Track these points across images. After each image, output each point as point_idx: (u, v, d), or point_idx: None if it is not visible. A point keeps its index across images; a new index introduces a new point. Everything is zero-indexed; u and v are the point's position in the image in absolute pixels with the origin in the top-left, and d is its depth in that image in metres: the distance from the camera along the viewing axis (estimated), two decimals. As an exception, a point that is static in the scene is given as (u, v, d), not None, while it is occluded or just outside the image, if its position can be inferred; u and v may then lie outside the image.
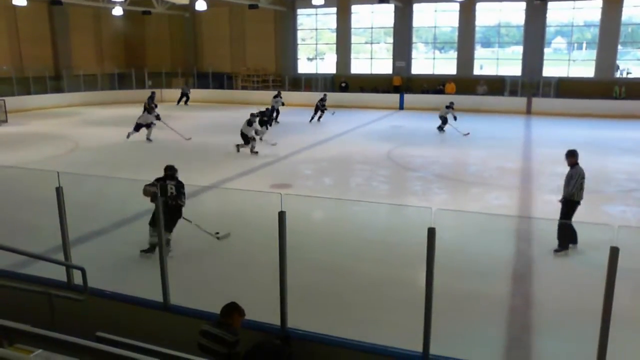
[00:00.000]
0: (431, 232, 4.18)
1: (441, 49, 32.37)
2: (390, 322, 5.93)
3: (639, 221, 10.10)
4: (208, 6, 26.36)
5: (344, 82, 31.26)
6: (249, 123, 15.52)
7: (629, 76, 27.94)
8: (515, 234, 8.96)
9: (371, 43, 32.65)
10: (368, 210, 10.38)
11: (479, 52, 31.09)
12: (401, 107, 27.24)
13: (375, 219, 9.82)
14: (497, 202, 11.03)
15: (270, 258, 4.70)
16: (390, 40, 31.67)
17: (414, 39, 31.57)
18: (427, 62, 31.80)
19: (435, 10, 30.59)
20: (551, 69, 28.80)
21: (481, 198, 11.40)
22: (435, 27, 31.17)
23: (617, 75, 27.98)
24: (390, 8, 30.36)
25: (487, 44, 31.39)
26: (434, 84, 29.38)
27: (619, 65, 28.58)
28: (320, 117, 22.54)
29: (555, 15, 29.06)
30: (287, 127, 20.61)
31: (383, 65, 32.00)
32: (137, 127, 17.25)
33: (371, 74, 31.88)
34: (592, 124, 21.98)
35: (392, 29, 31.27)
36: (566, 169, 8.73)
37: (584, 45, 30.14)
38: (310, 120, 22.35)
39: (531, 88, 27.06)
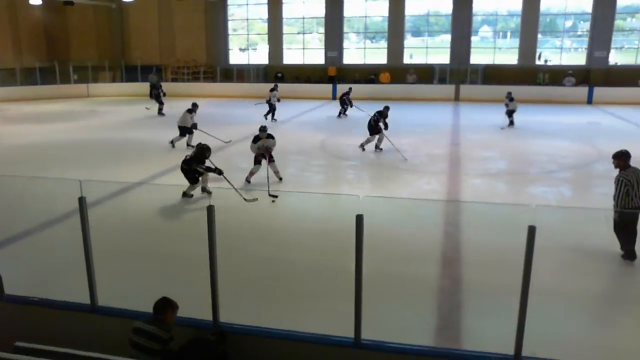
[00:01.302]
0: (359, 219, 4.23)
1: (372, 38, 32.79)
2: (325, 309, 5.99)
3: (558, 200, 10.62)
4: (135, -4, 25.53)
5: (280, 72, 31.13)
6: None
7: (549, 63, 29.31)
8: (444, 218, 9.25)
9: (303, 33, 32.64)
10: (301, 200, 10.43)
11: (409, 41, 31.70)
12: (334, 98, 27.41)
13: (308, 209, 9.87)
14: (427, 187, 11.33)
15: (202, 252, 4.64)
16: (322, 30, 31.78)
17: (346, 29, 31.83)
18: (358, 51, 32.17)
19: (366, 0, 30.92)
20: (478, 57, 29.78)
21: (412, 184, 11.66)
22: (366, 16, 31.52)
23: (538, 62, 29.31)
24: (321, -3, 30.47)
25: (417, 33, 32.05)
26: (365, 74, 29.74)
27: (541, 53, 29.93)
28: (345, 110, 21.59)
29: (481, 4, 30.01)
30: (221, 119, 20.32)
31: (316, 55, 32.08)
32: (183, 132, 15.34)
33: (304, 64, 31.91)
34: (518, 108, 22.85)
35: (323, 19, 31.38)
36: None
37: (509, 33, 31.32)
38: (339, 116, 21.70)
39: (459, 75, 27.88)
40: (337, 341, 4.62)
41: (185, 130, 15.17)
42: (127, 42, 33.73)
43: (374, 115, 14.47)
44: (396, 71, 29.02)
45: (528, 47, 28.91)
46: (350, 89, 22.41)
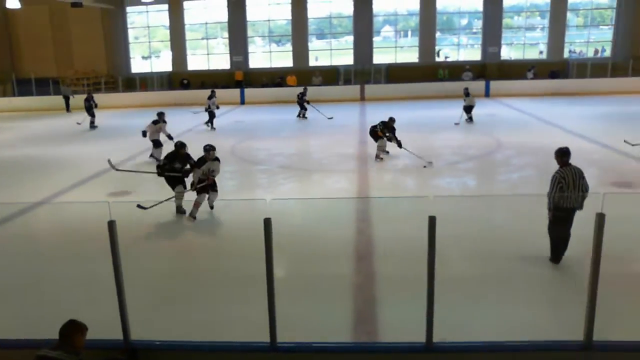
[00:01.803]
0: (267, 222, 4.21)
1: (278, 42, 32.89)
2: (241, 317, 5.92)
3: (462, 190, 11.13)
4: (23, 4, 24.09)
5: (185, 79, 30.48)
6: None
7: (448, 60, 30.73)
8: (355, 215, 9.42)
9: (207, 38, 32.18)
10: (214, 208, 10.25)
11: (315, 43, 32.11)
12: (242, 102, 27.24)
13: (217, 215, 9.71)
14: (337, 186, 11.50)
15: (107, 270, 4.43)
16: (227, 35, 31.49)
17: (250, 33, 31.72)
18: (264, 55, 32.16)
19: (269, 4, 30.97)
20: (381, 57, 30.68)
21: (323, 184, 11.80)
22: (269, 20, 31.56)
23: (437, 59, 30.64)
24: (223, 3, 30.15)
25: (321, 36, 32.50)
26: (272, 78, 29.80)
27: (440, 50, 31.30)
28: (304, 113, 21.37)
29: (381, 5, 30.90)
30: (127, 130, 19.61)
31: (221, 60, 31.74)
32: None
33: (209, 70, 31.47)
34: (421, 105, 23.78)
35: (227, 24, 31.10)
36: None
37: (409, 32, 32.47)
38: (298, 116, 21.42)
39: (363, 76, 28.55)
40: (254, 346, 4.58)
41: (157, 143, 14.15)
42: (16, 53, 31.74)
43: (378, 125, 13.65)
44: (302, 74, 29.27)
45: (428, 45, 30.16)
46: (305, 88, 22.15)
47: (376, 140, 13.59)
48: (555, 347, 4.49)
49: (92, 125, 20.74)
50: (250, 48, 31.75)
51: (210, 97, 19.68)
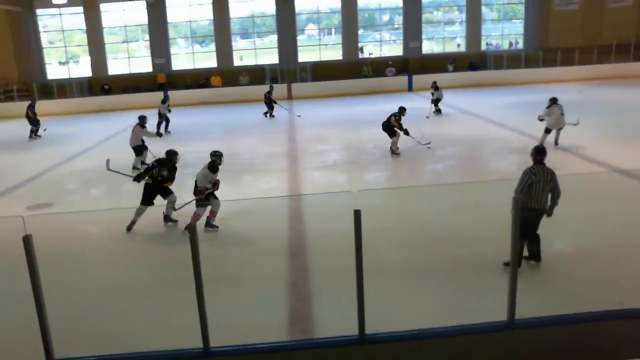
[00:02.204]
0: (191, 228, 4.15)
1: (201, 42, 32.35)
2: (171, 324, 5.81)
3: (387, 183, 11.39)
4: None
5: (106, 84, 29.40)
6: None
7: (372, 56, 31.28)
8: (288, 213, 9.45)
9: (127, 42, 31.21)
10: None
11: (239, 43, 31.81)
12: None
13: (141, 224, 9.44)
14: (268, 185, 11.47)
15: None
16: (148, 37, 30.65)
17: (172, 35, 31.04)
18: (188, 56, 31.57)
19: (190, 5, 30.40)
20: (306, 55, 30.81)
21: (254, 184, 11.74)
22: (191, 21, 30.98)
23: (361, 56, 31.12)
24: (142, 5, 29.32)
25: (245, 35, 32.24)
26: (197, 79, 29.29)
27: (363, 47, 31.81)
28: (271, 112, 21.03)
29: (303, 3, 30.99)
30: (46, 139, 18.72)
31: (143, 63, 30.86)
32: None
33: (131, 74, 30.51)
34: (346, 102, 24.10)
35: (147, 26, 30.28)
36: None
37: (333, 30, 32.78)
38: (265, 115, 21.08)
39: (289, 74, 28.58)
40: (186, 354, 4.49)
41: (141, 148, 13.68)
42: None
43: (392, 116, 13.66)
44: (227, 74, 28.94)
45: (351, 42, 30.56)
46: (271, 87, 21.80)
47: (391, 136, 13.51)
48: (481, 329, 4.67)
49: (33, 135, 19.61)
50: (173, 50, 31.07)
51: (163, 102, 19.16)
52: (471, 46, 31.40)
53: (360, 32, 31.75)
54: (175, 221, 8.97)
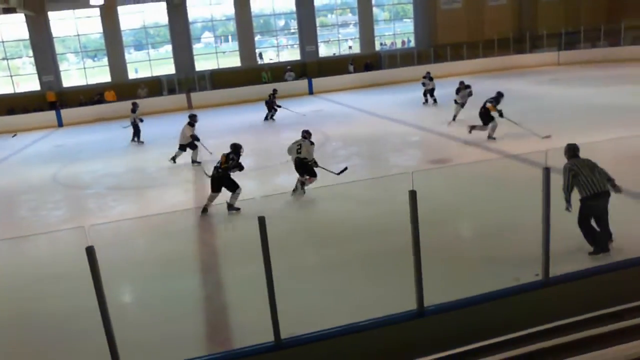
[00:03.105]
0: (89, 251, 3.99)
1: (93, 57, 30.97)
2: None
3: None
4: None
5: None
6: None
7: (271, 61, 31.38)
8: (197, 227, 9.27)
9: (7, 59, 29.19)
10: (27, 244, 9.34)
11: (133, 55, 30.77)
12: (60, 124, 25.25)
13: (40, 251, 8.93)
14: (174, 200, 11.16)
15: None
16: (32, 53, 28.83)
17: (61, 50, 29.46)
18: (79, 72, 30.07)
19: (77, 18, 28.97)
20: (204, 63, 30.34)
21: (160, 199, 11.40)
22: (79, 35, 29.56)
23: (261, 62, 31.13)
24: (20, 18, 27.55)
25: (139, 47, 31.24)
26: (90, 95, 27.98)
27: (261, 52, 31.82)
28: (272, 115, 20.61)
29: (196, 11, 30.50)
30: None
31: (29, 81, 29.02)
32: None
33: (16, 94, 28.55)
34: (248, 108, 23.99)
35: (29, 42, 28.49)
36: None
37: (230, 37, 32.52)
38: (266, 118, 20.61)
39: (188, 84, 28.03)
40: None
41: (187, 146, 14.23)
42: None
43: (486, 103, 13.49)
44: (123, 87, 27.86)
45: (248, 48, 30.49)
46: (274, 90, 21.47)
47: (486, 123, 13.39)
48: (394, 320, 4.84)
49: None
50: (62, 66, 29.45)
51: (133, 111, 18.22)
52: (366, 47, 32.32)
53: (257, 38, 31.76)
54: (238, 209, 9.49)
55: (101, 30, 28.97)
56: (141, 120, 18.31)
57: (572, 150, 6.71)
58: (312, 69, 30.13)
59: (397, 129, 16.41)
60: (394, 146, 14.62)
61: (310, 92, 27.47)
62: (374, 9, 32.84)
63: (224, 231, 8.85)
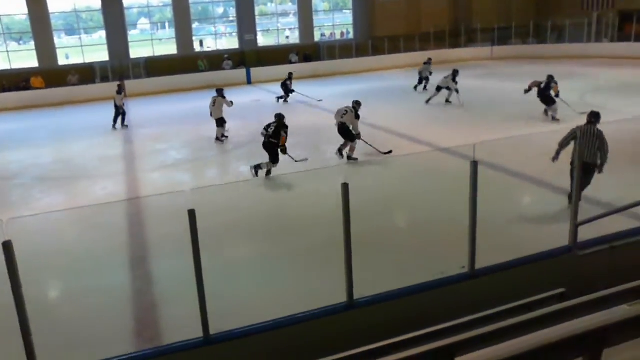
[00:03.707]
0: (6, 246, 3.76)
1: (18, 40, 29.41)
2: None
3: (235, 177, 11.30)
4: None
5: None
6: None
7: (208, 49, 30.78)
8: (127, 220, 9.00)
9: None
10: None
11: (64, 40, 29.46)
12: (-16, 112, 23.92)
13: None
14: (104, 192, 10.77)
15: None
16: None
17: (-20, 32, 27.82)
18: (2, 56, 28.47)
19: (-1, -2, 27.38)
20: (140, 50, 29.41)
21: (89, 191, 10.97)
22: (1, 15, 27.92)
23: (199, 49, 30.48)
24: None
25: (71, 31, 29.93)
26: (16, 81, 26.54)
27: (202, 40, 31.17)
28: (285, 98, 20.56)
29: (133, -4, 29.52)
30: None
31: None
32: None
33: None
34: (184, 97, 23.47)
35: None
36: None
37: (167, 24, 31.64)
38: (278, 100, 20.81)
39: (122, 72, 27.08)
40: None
41: (222, 120, 14.40)
42: None
43: (551, 83, 13.93)
44: (52, 74, 26.58)
45: (185, 36, 29.76)
46: (290, 74, 21.14)
47: (550, 104, 13.98)
48: (324, 313, 4.86)
49: None
50: (-18, 49, 27.82)
51: (119, 92, 17.48)
52: (305, 37, 32.23)
53: (195, 25, 31.07)
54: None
55: (27, 11, 27.49)
56: (123, 104, 17.68)
57: (589, 117, 7.50)
58: (250, 58, 29.79)
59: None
60: (333, 138, 14.65)
61: (249, 82, 27.17)
62: (314, -1, 32.82)
63: (154, 224, 8.61)
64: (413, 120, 15.22)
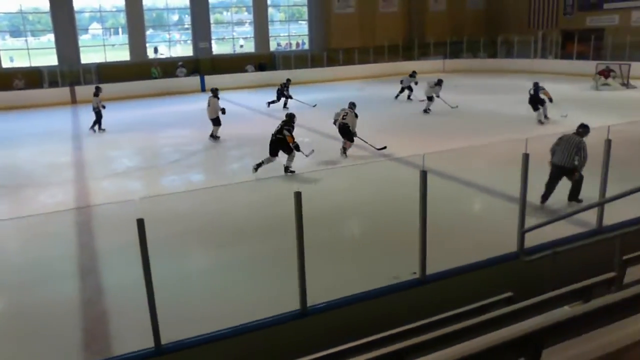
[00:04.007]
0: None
1: (-37, 40, 28.32)
2: None
3: (188, 186, 11.18)
4: None
5: None
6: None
7: (162, 56, 30.35)
8: (76, 229, 8.76)
9: None
10: None
11: (9, 42, 28.52)
12: None
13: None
14: (52, 200, 10.45)
15: None
16: None
17: None
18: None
19: None
20: (91, 55, 28.70)
21: (35, 200, 10.60)
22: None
23: (153, 56, 30.03)
24: None
25: (16, 33, 28.98)
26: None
27: (156, 47, 30.73)
28: (285, 103, 20.56)
29: (84, 0, 28.81)
30: None
31: None
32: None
33: None
34: (137, 104, 23.09)
35: None
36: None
37: (120, 30, 31.05)
38: (269, 104, 20.78)
39: (72, 77, 26.37)
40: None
41: (218, 120, 15.08)
42: None
43: (533, 90, 15.46)
44: (-6, 77, 25.62)
45: (139, 42, 29.27)
46: (288, 80, 21.38)
47: (539, 105, 15.49)
48: (277, 321, 4.87)
49: None
50: None
51: (96, 95, 17.17)
52: (260, 47, 32.23)
53: (149, 32, 30.65)
54: (293, 171, 11.06)
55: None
56: (103, 107, 17.28)
57: (578, 127, 8.41)
58: (205, 66, 29.55)
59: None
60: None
61: (203, 90, 26.91)
62: (270, 9, 32.86)
63: (104, 233, 8.41)
64: (368, 130, 15.39)
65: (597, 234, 6.27)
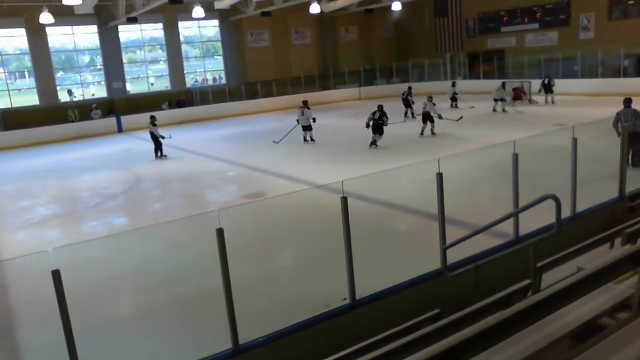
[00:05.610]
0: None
1: None
2: None
3: (109, 230, 10.74)
4: None
5: None
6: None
7: (76, 99, 29.31)
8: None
9: None
10: None
11: None
12: None
13: None
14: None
15: None
16: None
17: None
18: None
19: None
20: (-6, 101, 27.27)
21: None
22: None
23: (67, 99, 28.92)
24: None
25: None
26: None
27: (70, 90, 29.64)
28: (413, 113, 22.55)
29: (-19, 44, 27.45)
30: None
31: None
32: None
33: None
34: (51, 150, 22.09)
35: None
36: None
37: (26, 73, 29.72)
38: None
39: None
40: None
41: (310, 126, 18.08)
42: None
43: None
44: None
45: (48, 85, 28.17)
46: (409, 87, 23.78)
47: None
48: (209, 360, 4.75)
49: None
50: None
51: (153, 124, 17.76)
52: (176, 83, 31.88)
53: (60, 74, 29.59)
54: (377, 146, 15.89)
55: None
56: (162, 137, 17.78)
57: (625, 102, 10.93)
58: (120, 106, 28.82)
59: (213, 166, 16.36)
60: (210, 183, 14.53)
61: (120, 130, 26.22)
62: (184, 46, 32.65)
63: (20, 289, 7.92)
64: (288, 160, 15.53)
65: (515, 244, 6.57)
